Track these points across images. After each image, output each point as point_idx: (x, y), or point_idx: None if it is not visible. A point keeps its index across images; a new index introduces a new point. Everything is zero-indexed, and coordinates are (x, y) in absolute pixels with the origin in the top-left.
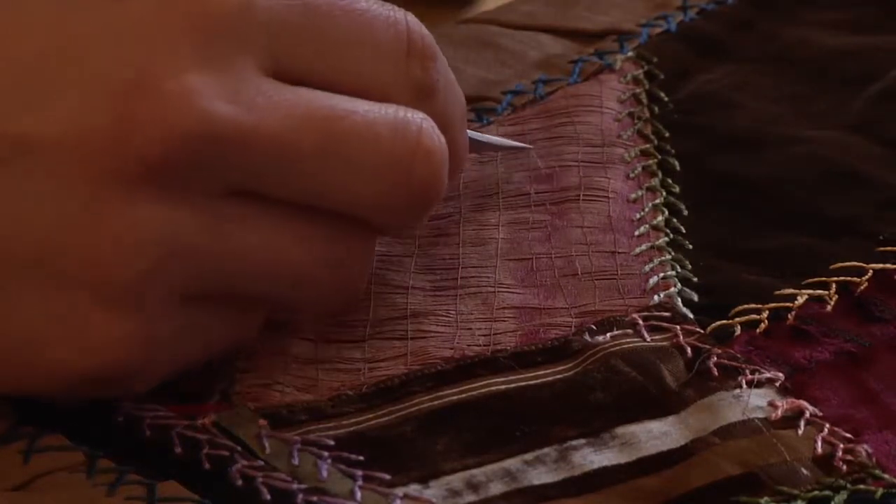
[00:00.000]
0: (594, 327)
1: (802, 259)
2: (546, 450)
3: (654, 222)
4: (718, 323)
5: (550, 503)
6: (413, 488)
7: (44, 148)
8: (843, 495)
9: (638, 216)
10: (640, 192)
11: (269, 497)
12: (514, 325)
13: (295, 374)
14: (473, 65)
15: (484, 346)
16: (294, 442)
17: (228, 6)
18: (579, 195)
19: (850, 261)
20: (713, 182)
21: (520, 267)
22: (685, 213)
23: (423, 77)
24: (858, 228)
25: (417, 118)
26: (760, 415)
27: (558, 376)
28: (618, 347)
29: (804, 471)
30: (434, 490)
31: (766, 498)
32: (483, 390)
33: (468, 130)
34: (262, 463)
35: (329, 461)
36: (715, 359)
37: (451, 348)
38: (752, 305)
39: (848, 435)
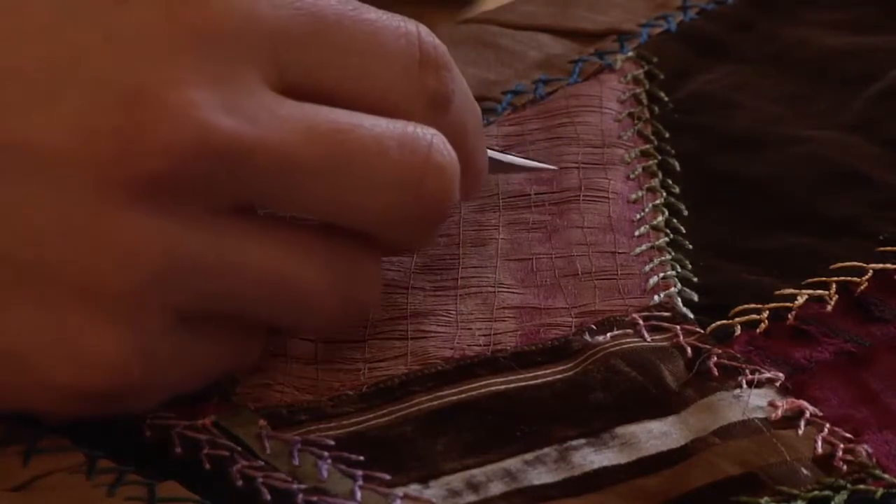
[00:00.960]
0: (594, 327)
1: (802, 259)
2: (546, 450)
3: (655, 222)
4: (718, 323)
5: (550, 503)
6: (413, 488)
7: (42, 156)
8: (843, 495)
9: (638, 216)
10: (640, 193)
11: (269, 497)
12: (515, 325)
13: (295, 374)
14: (473, 65)
15: (484, 346)
16: (294, 442)
17: (232, 18)
18: (579, 196)
19: (850, 261)
20: (713, 182)
21: (520, 267)
22: (685, 213)
23: (437, 87)
24: (858, 228)
25: (428, 133)
26: (760, 415)
27: (558, 376)
28: (618, 347)
29: (804, 471)
30: (434, 490)
31: (766, 498)
32: (483, 390)
33: (490, 151)
34: (262, 463)
35: (329, 461)
36: (715, 359)
37: (452, 348)
38: (752, 305)
39: (848, 435)
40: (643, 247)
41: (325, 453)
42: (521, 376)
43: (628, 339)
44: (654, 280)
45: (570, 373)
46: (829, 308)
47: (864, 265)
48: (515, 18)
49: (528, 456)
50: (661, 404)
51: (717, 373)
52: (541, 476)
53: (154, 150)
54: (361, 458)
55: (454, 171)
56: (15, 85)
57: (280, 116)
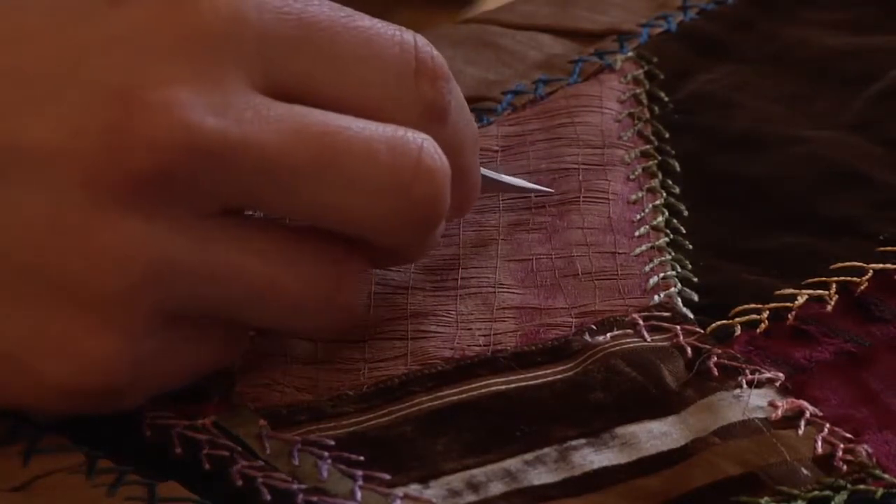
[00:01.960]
0: (594, 327)
1: (802, 259)
2: (546, 450)
3: (655, 223)
4: (718, 323)
5: (550, 503)
6: (413, 488)
7: (34, 157)
8: (843, 495)
9: (638, 217)
10: (640, 194)
11: (269, 497)
12: (515, 325)
13: (295, 374)
14: (473, 65)
15: (484, 346)
16: (294, 442)
17: (220, 21)
18: (580, 197)
19: (850, 261)
20: (713, 182)
21: (520, 267)
22: (685, 213)
23: (433, 97)
24: (858, 228)
25: (418, 137)
26: (760, 415)
27: (558, 376)
28: (618, 347)
29: (804, 471)
30: (434, 490)
31: (766, 498)
32: (483, 390)
33: (485, 170)
34: (262, 463)
35: (329, 461)
36: (715, 359)
37: (452, 348)
38: (752, 305)
39: (848, 435)
40: (643, 247)
41: (325, 453)
42: (521, 376)
43: (628, 339)
44: (654, 280)
45: (570, 373)
46: (829, 308)
47: (864, 265)
48: (515, 18)
49: (528, 456)
50: (661, 404)
51: (717, 373)
52: (541, 476)
53: (138, 148)
54: (361, 458)
55: (445, 176)
56: (9, 86)
57: (267, 117)
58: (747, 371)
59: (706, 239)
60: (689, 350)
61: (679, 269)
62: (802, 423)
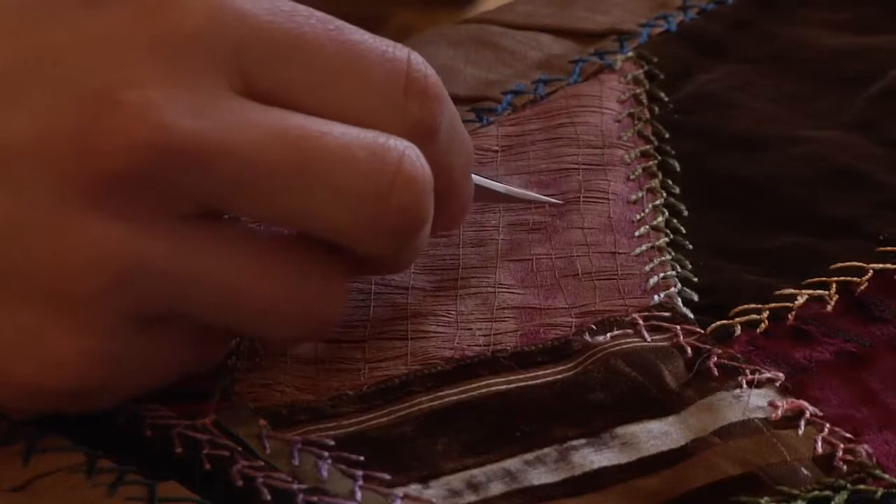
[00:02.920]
0: (594, 327)
1: (802, 259)
2: (546, 450)
3: (655, 223)
4: (718, 323)
5: (550, 503)
6: (413, 488)
7: (4, 157)
8: (843, 495)
9: (638, 217)
10: (640, 194)
11: (269, 497)
12: (515, 325)
13: (295, 374)
14: (473, 65)
15: (484, 346)
16: (294, 442)
17: (197, 24)
18: (580, 197)
19: (850, 261)
20: (713, 182)
21: (520, 267)
22: (685, 213)
23: (420, 117)
24: (858, 228)
25: (400, 144)
26: (760, 415)
27: (558, 376)
28: (618, 347)
29: (804, 471)
30: (434, 490)
31: (766, 498)
32: (483, 390)
33: (489, 181)
34: (262, 463)
35: (329, 461)
36: (715, 359)
37: (452, 348)
38: (753, 305)
39: (848, 435)
40: (643, 247)
41: (325, 453)
42: (521, 376)
43: (628, 339)
44: (654, 280)
45: (570, 373)
46: (829, 308)
47: (864, 265)
48: (515, 18)
49: (529, 456)
50: (661, 404)
51: (717, 373)
52: (541, 476)
53: (111, 149)
54: (361, 458)
55: (426, 185)
56: None
57: (244, 119)
58: (747, 371)
59: (706, 239)
60: (689, 350)
61: (679, 269)
62: (802, 423)
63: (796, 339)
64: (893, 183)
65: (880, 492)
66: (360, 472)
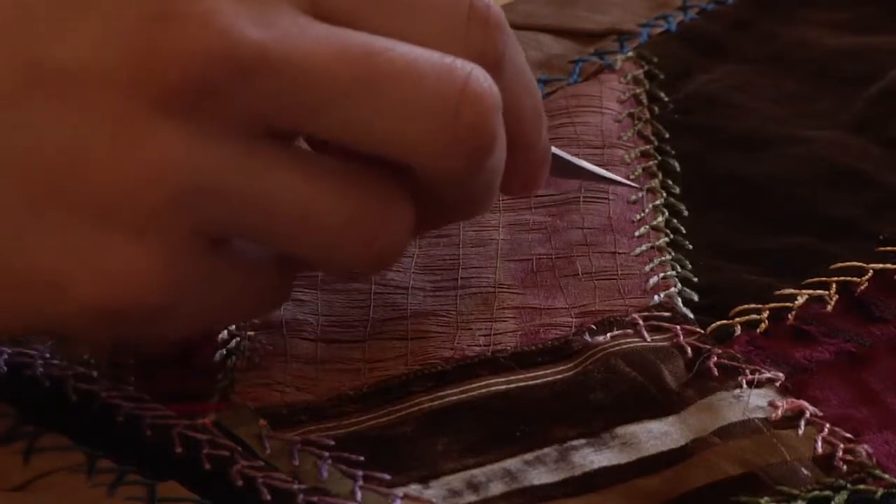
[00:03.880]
0: (594, 327)
1: (802, 259)
2: (546, 450)
3: (655, 223)
4: (718, 323)
5: (550, 503)
6: (413, 488)
7: (66, 74)
8: (843, 495)
9: (638, 217)
10: (640, 194)
11: (269, 497)
12: (515, 325)
13: (295, 374)
14: None
15: (484, 346)
16: (294, 442)
17: None
18: (579, 197)
19: (850, 261)
20: (713, 182)
21: (520, 267)
22: (685, 213)
23: (484, 44)
24: (858, 228)
25: (467, 64)
26: (760, 415)
27: (558, 376)
28: (618, 347)
29: (804, 471)
30: (434, 490)
31: (766, 498)
32: (483, 390)
33: (561, 152)
34: (262, 463)
35: (329, 461)
36: (715, 359)
37: (452, 348)
38: (753, 305)
39: (848, 435)
40: (643, 247)
41: (325, 453)
42: (522, 376)
43: (628, 339)
44: (654, 280)
45: (570, 373)
46: (829, 308)
47: (864, 265)
48: (515, 18)
49: (528, 456)
50: (661, 404)
51: (717, 373)
52: (541, 476)
53: (177, 58)
54: (361, 458)
55: (494, 102)
56: (41, 3)
57: (310, 34)
58: (747, 371)
59: (706, 239)
60: (689, 350)
61: (679, 269)
62: (802, 423)
63: (796, 339)
64: (893, 183)
65: (880, 492)
66: (360, 472)
